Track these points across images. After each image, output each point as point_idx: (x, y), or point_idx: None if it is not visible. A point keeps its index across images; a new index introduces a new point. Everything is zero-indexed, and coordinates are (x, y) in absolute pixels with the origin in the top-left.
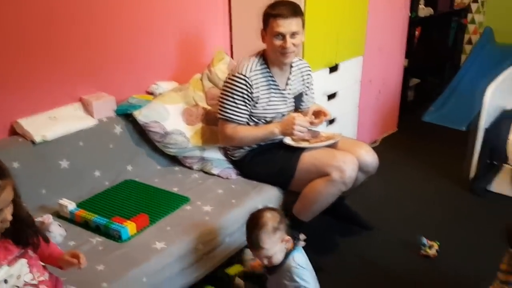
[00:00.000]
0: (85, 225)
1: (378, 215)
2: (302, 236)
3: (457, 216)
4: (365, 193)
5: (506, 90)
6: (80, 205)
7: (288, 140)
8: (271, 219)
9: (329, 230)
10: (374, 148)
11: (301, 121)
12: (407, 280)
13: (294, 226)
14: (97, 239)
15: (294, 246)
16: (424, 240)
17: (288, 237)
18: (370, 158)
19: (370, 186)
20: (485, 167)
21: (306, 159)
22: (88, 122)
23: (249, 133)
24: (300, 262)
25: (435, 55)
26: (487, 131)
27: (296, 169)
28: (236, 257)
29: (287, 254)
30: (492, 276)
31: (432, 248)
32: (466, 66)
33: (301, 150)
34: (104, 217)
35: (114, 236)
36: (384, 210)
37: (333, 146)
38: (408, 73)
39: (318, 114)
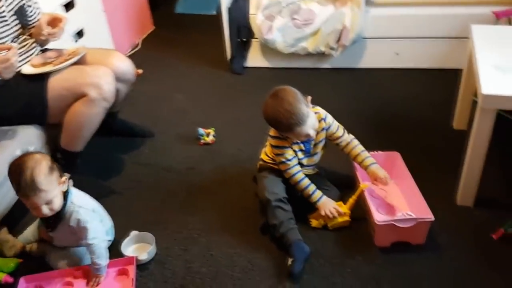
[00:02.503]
0: None
1: (153, 118)
2: (67, 175)
3: (224, 98)
4: (136, 99)
5: None
6: None
7: (26, 69)
8: (44, 158)
9: (111, 149)
10: (136, 52)
11: None
12: (196, 172)
13: (68, 160)
14: None
15: (67, 187)
16: (201, 130)
17: (64, 178)
18: (124, 65)
19: (140, 90)
20: (237, 45)
21: (55, 84)
22: None
23: None
24: (80, 202)
25: None
26: (230, 10)
27: (48, 99)
28: None
29: (65, 198)
30: (264, 141)
31: (209, 135)
32: None
33: (46, 76)
34: None
35: None
36: (159, 111)
37: (82, 62)
38: None
39: (53, 23)
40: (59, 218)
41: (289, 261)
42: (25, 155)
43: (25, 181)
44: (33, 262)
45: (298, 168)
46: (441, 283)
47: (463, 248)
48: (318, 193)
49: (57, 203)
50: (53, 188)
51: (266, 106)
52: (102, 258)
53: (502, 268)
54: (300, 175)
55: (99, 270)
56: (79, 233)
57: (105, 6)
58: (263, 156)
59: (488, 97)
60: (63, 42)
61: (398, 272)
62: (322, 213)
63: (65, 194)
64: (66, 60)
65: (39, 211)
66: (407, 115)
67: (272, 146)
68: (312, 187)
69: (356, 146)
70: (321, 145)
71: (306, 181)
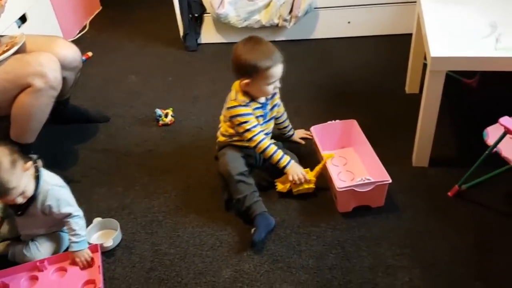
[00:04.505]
0: None
1: (107, 102)
2: (34, 156)
3: (180, 76)
4: (87, 83)
5: None
6: None
7: None
8: (2, 153)
9: (65, 138)
10: (84, 34)
11: None
12: (156, 154)
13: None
14: None
15: (37, 169)
16: (159, 111)
17: (28, 163)
18: (70, 53)
19: (91, 73)
20: (190, 21)
21: None
22: None
23: None
24: (53, 181)
25: None
26: None
27: None
28: None
29: (37, 180)
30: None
31: (167, 115)
32: None
33: None
34: None
35: None
36: (112, 95)
37: (22, 51)
38: None
39: None
40: (32, 199)
41: (252, 230)
42: None
43: None
44: None
45: (263, 135)
46: (400, 242)
47: (420, 207)
48: (286, 158)
49: (30, 190)
50: (21, 180)
51: (241, 51)
52: (82, 229)
53: (458, 224)
54: (267, 141)
55: (81, 244)
56: (56, 210)
57: None
58: (220, 138)
59: (437, 59)
60: (6, 28)
61: (361, 234)
62: (290, 178)
63: (37, 176)
64: (4, 51)
65: (13, 202)
66: (362, 82)
67: (233, 117)
68: (280, 152)
69: (286, 120)
70: (276, 109)
71: (273, 147)
